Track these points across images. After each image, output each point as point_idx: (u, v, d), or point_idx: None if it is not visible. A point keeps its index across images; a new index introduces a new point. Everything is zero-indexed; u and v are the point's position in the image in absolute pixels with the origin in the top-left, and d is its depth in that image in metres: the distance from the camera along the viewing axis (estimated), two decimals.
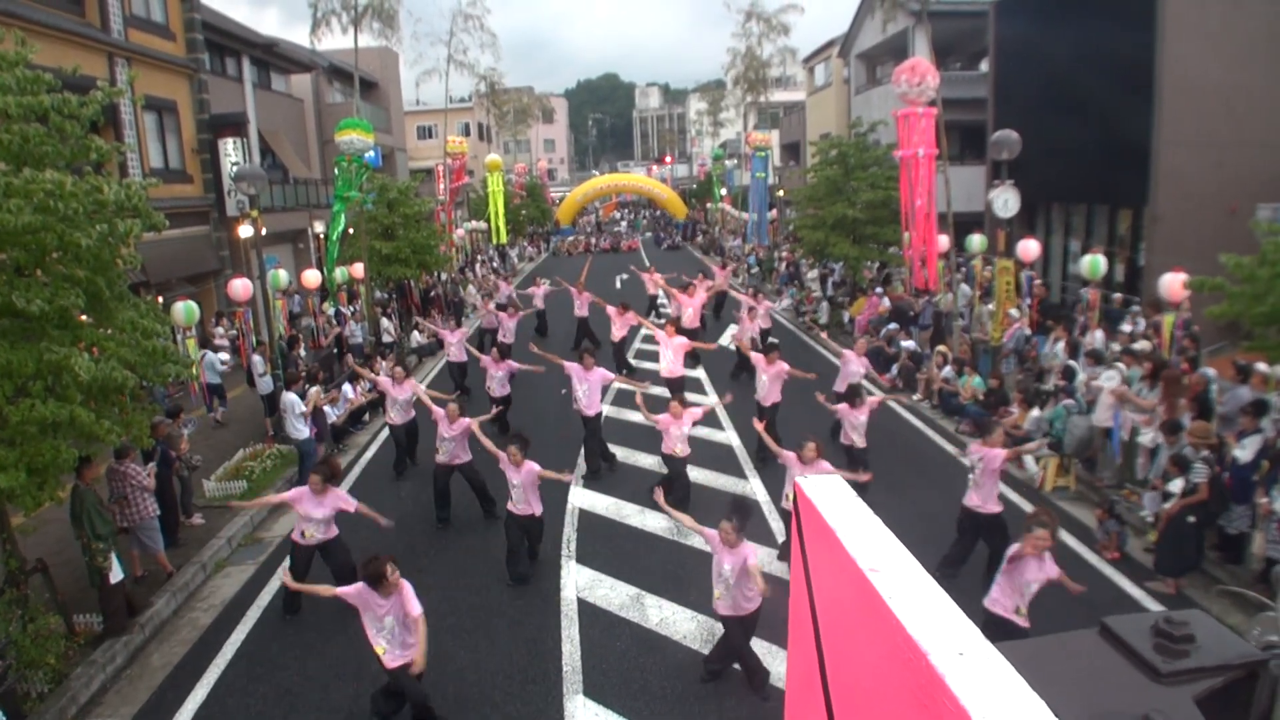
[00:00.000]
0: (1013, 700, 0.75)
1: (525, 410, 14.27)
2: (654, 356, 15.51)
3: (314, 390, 12.36)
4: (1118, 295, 17.11)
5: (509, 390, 13.45)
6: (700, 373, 17.39)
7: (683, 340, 13.38)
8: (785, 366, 11.82)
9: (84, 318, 7.28)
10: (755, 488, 11.07)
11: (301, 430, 11.64)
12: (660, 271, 22.83)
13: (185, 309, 12.48)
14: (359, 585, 6.20)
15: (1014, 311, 14.37)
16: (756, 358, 12.26)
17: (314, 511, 8.10)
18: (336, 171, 18.33)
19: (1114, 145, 19.15)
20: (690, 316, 17.31)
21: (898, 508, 9.91)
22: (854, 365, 12.51)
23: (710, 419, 13.97)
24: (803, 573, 1.22)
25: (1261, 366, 10.48)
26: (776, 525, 9.75)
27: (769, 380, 11.83)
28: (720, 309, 23.87)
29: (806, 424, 13.55)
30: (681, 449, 10.13)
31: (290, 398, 11.71)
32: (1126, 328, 13.78)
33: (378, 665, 7.35)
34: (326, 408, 13.08)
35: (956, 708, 0.75)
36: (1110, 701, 0.91)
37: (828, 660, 1.13)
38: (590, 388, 11.53)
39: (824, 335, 13.52)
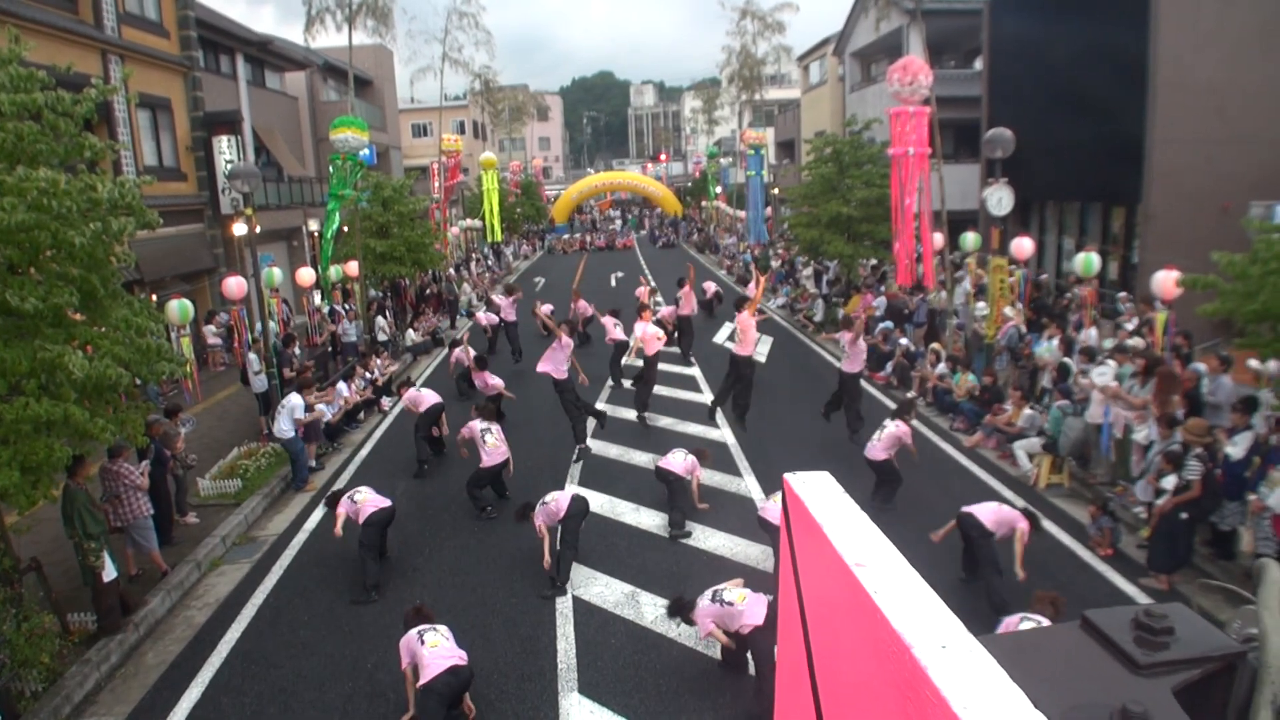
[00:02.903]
0: (994, 692, 0.76)
1: (523, 407, 14.27)
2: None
3: (321, 408, 12.57)
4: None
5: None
6: (695, 370, 17.42)
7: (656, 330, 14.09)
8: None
9: (78, 316, 7.26)
10: (750, 485, 11.08)
11: (286, 430, 11.63)
12: (653, 268, 22.86)
13: (180, 307, 12.46)
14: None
15: (1009, 310, 14.40)
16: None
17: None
18: (331, 169, 18.32)
19: (1108, 143, 19.21)
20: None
21: (892, 505, 9.95)
22: (859, 344, 12.67)
23: (704, 417, 13.99)
24: (791, 569, 1.23)
25: (1253, 363, 10.55)
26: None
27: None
28: (713, 309, 23.91)
29: (806, 426, 13.60)
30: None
31: (295, 399, 11.69)
32: (1129, 325, 13.78)
33: (373, 663, 7.39)
34: (321, 405, 13.08)
35: (939, 699, 0.76)
36: (1089, 693, 0.92)
37: (815, 656, 1.14)
38: (558, 354, 11.99)
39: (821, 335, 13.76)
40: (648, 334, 13.67)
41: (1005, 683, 0.78)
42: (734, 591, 6.63)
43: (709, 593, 6.74)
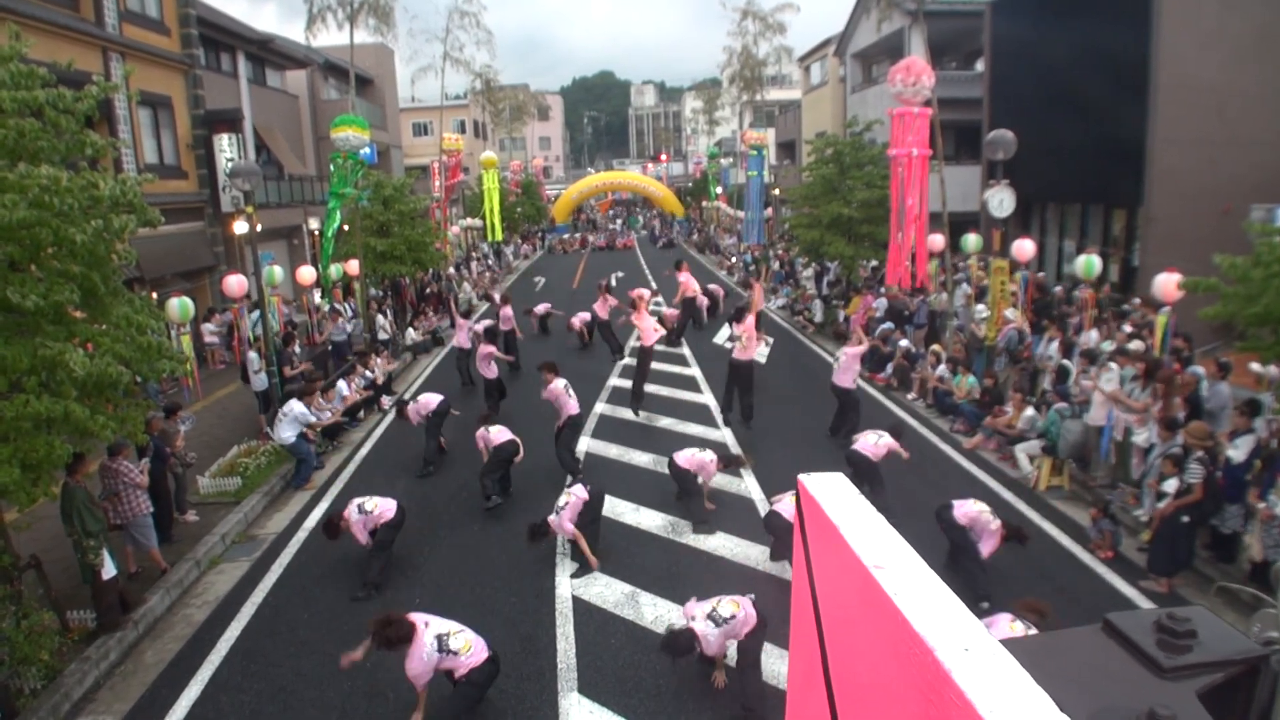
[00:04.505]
0: (1018, 695, 0.75)
1: (523, 406, 14.29)
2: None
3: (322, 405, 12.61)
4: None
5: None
6: (695, 370, 17.40)
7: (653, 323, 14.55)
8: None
9: (79, 313, 7.25)
10: (750, 485, 11.08)
11: (288, 437, 11.60)
12: (654, 268, 22.97)
13: (180, 305, 12.44)
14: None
15: (1009, 312, 14.40)
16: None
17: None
18: (332, 168, 18.33)
19: (1109, 145, 19.22)
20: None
21: (893, 504, 9.93)
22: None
23: (705, 417, 14.01)
24: (805, 571, 1.22)
25: (1255, 366, 10.54)
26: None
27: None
28: (716, 309, 23.91)
29: (806, 426, 13.60)
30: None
31: (298, 407, 11.65)
32: (1127, 328, 13.77)
33: (372, 662, 7.37)
34: (320, 401, 13.08)
35: (963, 702, 0.76)
36: (1114, 696, 0.92)
37: (831, 658, 1.13)
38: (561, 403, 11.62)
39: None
40: (645, 325, 14.10)
41: (1030, 685, 0.77)
42: (727, 606, 6.45)
43: (703, 618, 6.41)
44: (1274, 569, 7.60)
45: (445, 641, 6.16)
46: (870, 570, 0.96)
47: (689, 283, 20.55)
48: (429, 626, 6.25)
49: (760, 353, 17.88)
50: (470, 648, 6.21)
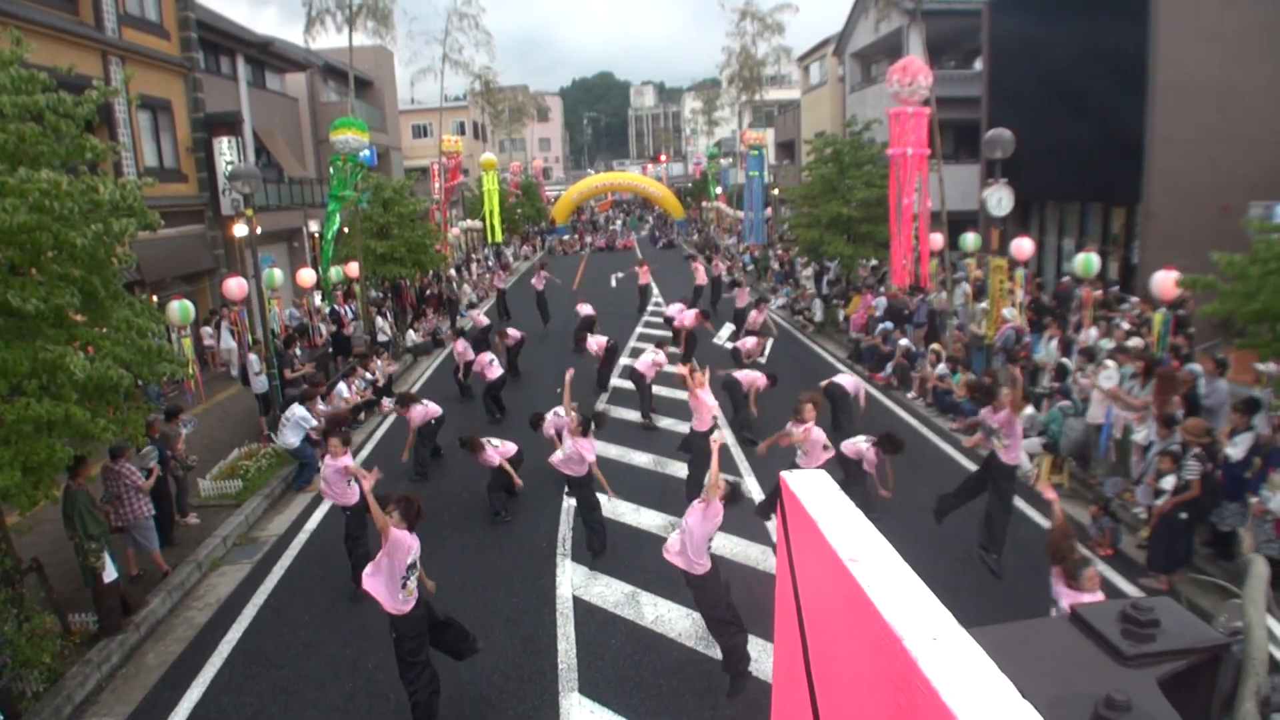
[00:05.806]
0: (982, 682, 0.78)
1: (523, 406, 14.30)
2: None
3: (321, 407, 12.49)
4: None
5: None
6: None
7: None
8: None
9: (79, 317, 7.28)
10: (751, 486, 11.10)
11: (292, 441, 11.61)
12: (653, 268, 23.13)
13: (180, 308, 12.48)
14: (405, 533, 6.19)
15: (1008, 311, 14.41)
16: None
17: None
18: (331, 170, 18.36)
19: (1108, 143, 19.23)
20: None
21: (893, 503, 9.94)
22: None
23: None
24: (787, 566, 1.25)
25: (1259, 366, 10.55)
26: (770, 523, 9.77)
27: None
28: (717, 304, 23.92)
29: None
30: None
31: (300, 411, 11.66)
32: (1126, 325, 13.79)
33: (374, 663, 7.40)
34: (320, 405, 13.10)
35: (929, 690, 0.78)
36: (1076, 683, 0.94)
37: (811, 651, 1.16)
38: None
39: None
40: (649, 363, 14.35)
41: (994, 673, 0.79)
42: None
43: (713, 533, 6.76)
44: (1240, 560, 7.62)
45: (409, 574, 6.13)
46: (845, 563, 0.99)
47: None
48: (414, 552, 6.18)
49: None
50: (412, 595, 6.17)
